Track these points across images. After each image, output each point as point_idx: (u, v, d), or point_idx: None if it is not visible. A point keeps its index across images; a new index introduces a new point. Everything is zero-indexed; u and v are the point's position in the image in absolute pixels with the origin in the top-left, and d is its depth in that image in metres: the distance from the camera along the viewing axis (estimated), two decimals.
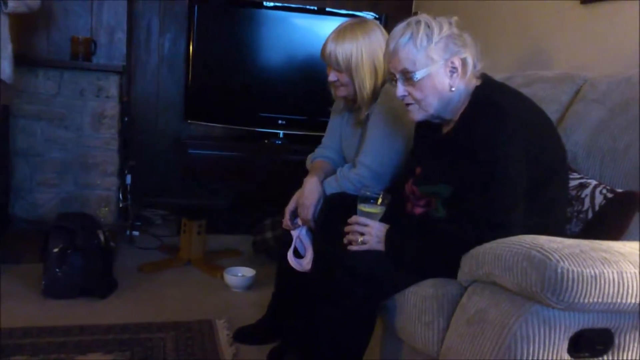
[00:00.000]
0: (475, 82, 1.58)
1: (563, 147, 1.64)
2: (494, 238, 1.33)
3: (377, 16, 3.62)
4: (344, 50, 1.92)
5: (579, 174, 1.78)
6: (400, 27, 1.57)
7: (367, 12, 3.68)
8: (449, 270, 1.47)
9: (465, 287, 1.40)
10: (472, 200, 1.45)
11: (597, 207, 1.63)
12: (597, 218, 1.63)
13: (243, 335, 2.19)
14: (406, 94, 1.58)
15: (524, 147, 1.45)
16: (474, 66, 1.55)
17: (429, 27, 1.52)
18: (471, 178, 1.47)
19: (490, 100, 1.53)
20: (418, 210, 1.67)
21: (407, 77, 1.55)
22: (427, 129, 1.71)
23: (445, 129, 1.64)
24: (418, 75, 1.53)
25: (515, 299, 1.21)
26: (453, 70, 1.54)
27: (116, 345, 2.08)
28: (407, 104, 1.61)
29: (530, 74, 2.33)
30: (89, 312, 2.36)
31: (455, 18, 1.57)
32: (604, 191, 1.64)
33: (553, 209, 1.56)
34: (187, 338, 2.16)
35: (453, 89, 1.55)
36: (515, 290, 1.20)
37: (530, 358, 1.17)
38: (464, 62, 1.53)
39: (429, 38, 1.51)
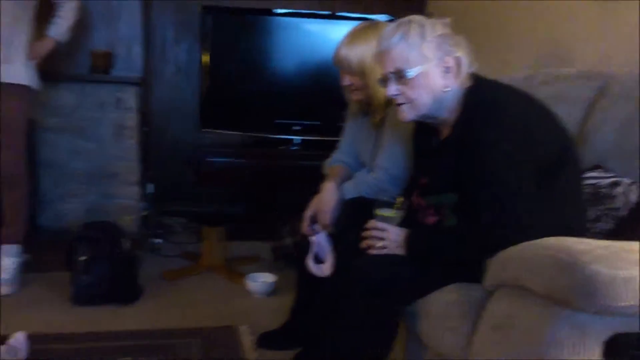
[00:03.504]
0: (468, 83, 1.57)
1: (568, 137, 1.61)
2: (508, 237, 1.32)
3: (391, 18, 3.63)
4: (356, 54, 1.93)
5: (610, 172, 1.72)
6: (391, 27, 1.57)
7: (380, 15, 3.70)
8: (474, 274, 1.47)
9: (491, 292, 1.38)
10: (480, 203, 1.45)
11: (631, 204, 1.60)
12: (632, 215, 1.59)
13: (266, 341, 2.22)
14: (399, 93, 1.57)
15: (524, 141, 1.44)
16: (468, 66, 1.55)
17: (421, 26, 1.53)
18: (475, 180, 1.47)
19: (484, 99, 1.53)
20: (430, 220, 1.67)
21: (400, 75, 1.54)
22: (425, 135, 1.71)
23: (443, 134, 1.64)
24: (412, 72, 1.53)
25: (544, 303, 1.17)
26: (447, 69, 1.54)
27: (142, 350, 2.13)
28: (399, 104, 1.60)
29: (550, 72, 2.27)
30: (116, 319, 2.42)
31: (448, 19, 1.57)
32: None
33: (566, 201, 1.54)
34: (211, 344, 2.21)
35: (447, 88, 1.55)
36: (544, 295, 1.16)
37: None
38: (457, 61, 1.54)
39: (422, 36, 1.52)
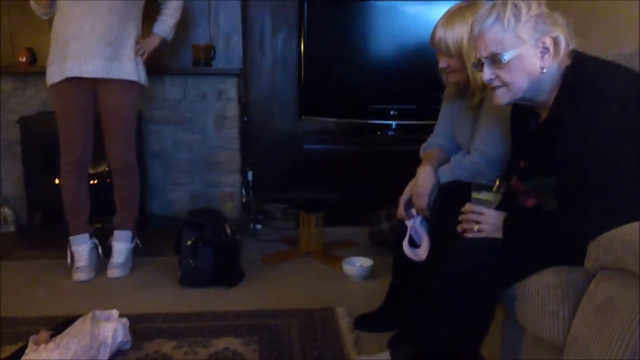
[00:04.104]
0: (567, 62, 1.49)
1: None
2: (611, 220, 1.26)
3: None
4: (454, 35, 1.88)
5: None
6: (485, 9, 1.51)
7: None
8: (572, 257, 1.42)
9: (592, 275, 1.34)
10: (582, 185, 1.39)
11: None
12: None
13: (363, 323, 2.25)
14: (493, 77, 1.52)
15: (627, 123, 1.36)
16: (567, 45, 1.47)
17: (516, 7, 1.46)
18: (576, 162, 1.41)
19: (584, 78, 1.44)
20: (530, 203, 1.61)
21: (495, 59, 1.49)
22: (523, 117, 1.65)
23: (542, 116, 1.57)
24: (507, 56, 1.47)
25: None
26: (544, 50, 1.46)
27: (245, 330, 2.22)
28: (494, 88, 1.54)
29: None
30: (220, 300, 2.54)
31: None
32: None
33: None
34: (310, 325, 2.26)
35: (544, 70, 1.47)
36: None
37: None
38: (555, 41, 1.46)
39: (517, 18, 1.45)
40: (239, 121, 3.54)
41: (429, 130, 2.26)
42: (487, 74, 1.52)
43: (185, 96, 3.49)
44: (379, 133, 3.72)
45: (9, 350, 1.99)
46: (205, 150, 3.54)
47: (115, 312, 2.11)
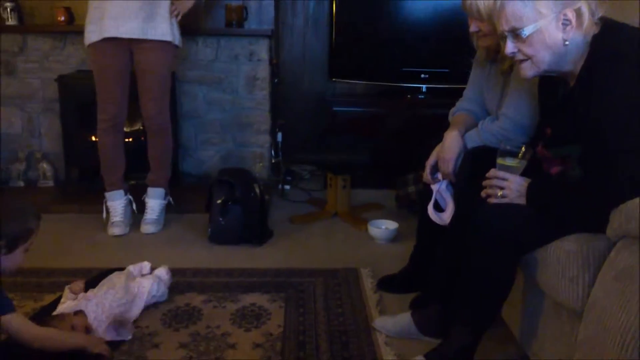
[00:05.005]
0: (595, 30, 1.47)
1: None
2: (636, 188, 1.27)
3: None
4: None
5: None
6: None
7: None
8: (595, 224, 1.44)
9: (613, 243, 1.36)
10: (606, 155, 1.39)
11: None
12: None
13: (386, 284, 2.30)
14: (516, 50, 1.52)
15: None
16: (592, 14, 1.45)
17: None
18: (602, 131, 1.40)
19: (613, 46, 1.42)
20: (554, 170, 1.62)
21: (516, 34, 1.48)
22: (551, 85, 1.64)
23: (570, 83, 1.56)
24: (526, 31, 1.46)
25: None
26: (566, 22, 1.45)
27: (272, 287, 2.30)
28: (519, 61, 1.54)
29: None
30: (248, 257, 2.61)
31: None
32: None
33: None
34: (334, 284, 2.32)
35: (567, 42, 1.46)
36: None
37: None
38: (578, 12, 1.44)
39: None
40: (269, 82, 3.56)
41: (459, 94, 2.25)
42: (509, 47, 1.53)
43: (218, 57, 3.51)
44: (409, 96, 3.70)
45: (49, 298, 2.11)
46: (236, 110, 3.58)
47: (147, 265, 2.21)
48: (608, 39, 1.46)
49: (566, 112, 1.56)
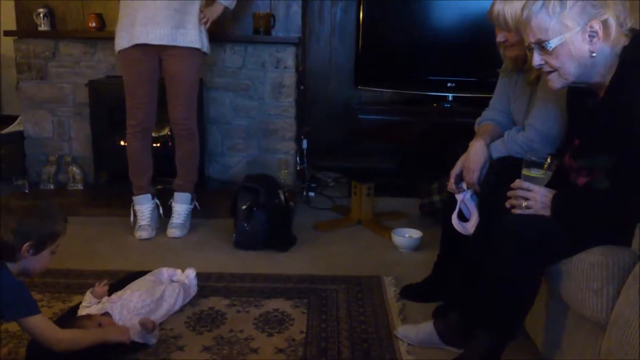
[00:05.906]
0: (625, 41, 1.46)
1: None
2: None
3: None
4: (513, 9, 1.85)
5: None
6: None
7: None
8: (620, 237, 1.43)
9: (639, 256, 1.35)
10: (635, 166, 1.38)
11: None
12: None
13: (409, 293, 2.30)
14: (543, 62, 1.52)
15: None
16: (620, 26, 1.44)
17: None
18: (630, 145, 1.39)
19: None
20: (581, 181, 1.61)
21: (542, 46, 1.48)
22: (580, 96, 1.63)
23: (599, 94, 1.55)
24: (552, 44, 1.46)
25: None
26: (592, 34, 1.44)
27: (295, 293, 2.31)
28: (546, 73, 1.54)
29: None
30: (272, 263, 2.63)
31: None
32: None
33: None
34: (357, 291, 2.33)
35: (594, 54, 1.45)
36: None
37: None
38: (605, 24, 1.43)
39: (563, 3, 1.43)
40: (295, 90, 3.59)
41: (485, 103, 2.25)
42: (536, 59, 1.53)
43: (245, 64, 3.55)
44: (435, 105, 3.70)
45: (77, 299, 2.15)
46: (262, 117, 3.61)
47: (178, 272, 2.24)
48: (638, 50, 1.45)
49: (595, 123, 1.55)
